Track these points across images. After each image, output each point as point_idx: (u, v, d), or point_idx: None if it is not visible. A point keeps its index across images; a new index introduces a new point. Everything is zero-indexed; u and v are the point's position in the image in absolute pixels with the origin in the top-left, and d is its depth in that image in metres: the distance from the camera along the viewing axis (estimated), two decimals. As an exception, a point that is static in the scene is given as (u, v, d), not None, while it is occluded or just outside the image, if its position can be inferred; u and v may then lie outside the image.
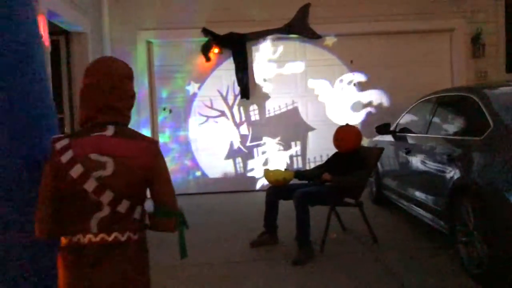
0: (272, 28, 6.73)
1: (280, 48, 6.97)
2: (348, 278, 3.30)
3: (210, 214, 5.58)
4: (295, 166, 7.00)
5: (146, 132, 6.57)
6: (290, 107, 7.05)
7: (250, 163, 7.04)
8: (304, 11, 6.74)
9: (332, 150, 4.41)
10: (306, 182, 4.28)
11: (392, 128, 5.18)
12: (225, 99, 7.02)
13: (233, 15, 6.69)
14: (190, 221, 1.69)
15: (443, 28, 6.92)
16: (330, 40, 6.98)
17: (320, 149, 6.88)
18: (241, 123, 7.03)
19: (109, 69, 1.57)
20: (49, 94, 1.88)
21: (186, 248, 1.64)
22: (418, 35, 6.98)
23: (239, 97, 6.92)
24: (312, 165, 6.67)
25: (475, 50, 6.84)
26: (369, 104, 7.03)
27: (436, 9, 6.81)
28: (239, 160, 7.05)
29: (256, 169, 7.01)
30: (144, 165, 1.54)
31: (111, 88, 1.56)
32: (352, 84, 7.02)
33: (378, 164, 5.15)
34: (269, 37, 6.83)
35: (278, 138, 7.05)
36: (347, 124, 4.41)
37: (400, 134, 4.94)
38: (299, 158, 7.10)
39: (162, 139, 6.86)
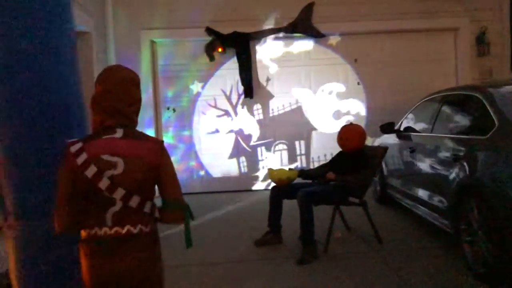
0: (276, 27, 6.73)
1: (284, 48, 6.96)
2: (352, 278, 3.30)
3: (214, 213, 5.58)
4: (299, 165, 6.99)
5: (150, 131, 6.58)
6: (294, 106, 7.05)
7: (254, 163, 7.04)
8: (308, 10, 6.73)
9: (336, 149, 4.41)
10: (310, 181, 4.28)
11: (396, 127, 5.18)
12: (228, 98, 7.02)
13: (236, 15, 6.68)
14: (194, 220, 1.76)
15: (447, 27, 6.90)
16: (334, 39, 6.96)
17: (324, 148, 6.88)
18: (244, 123, 7.03)
19: (118, 78, 1.73)
20: (82, 97, 2.14)
21: (191, 238, 1.78)
22: (423, 33, 6.96)
23: (242, 96, 6.92)
24: (316, 164, 6.66)
25: (479, 49, 6.81)
26: (372, 103, 7.02)
27: (440, 8, 6.79)
28: (243, 159, 7.06)
29: (260, 169, 7.01)
30: (151, 164, 1.68)
31: (120, 95, 1.72)
32: (357, 83, 7.01)
33: (383, 163, 5.14)
34: (273, 36, 6.82)
35: (282, 137, 7.05)
36: (351, 123, 4.41)
37: (404, 133, 4.93)
38: (303, 157, 7.10)
39: (166, 138, 6.86)
